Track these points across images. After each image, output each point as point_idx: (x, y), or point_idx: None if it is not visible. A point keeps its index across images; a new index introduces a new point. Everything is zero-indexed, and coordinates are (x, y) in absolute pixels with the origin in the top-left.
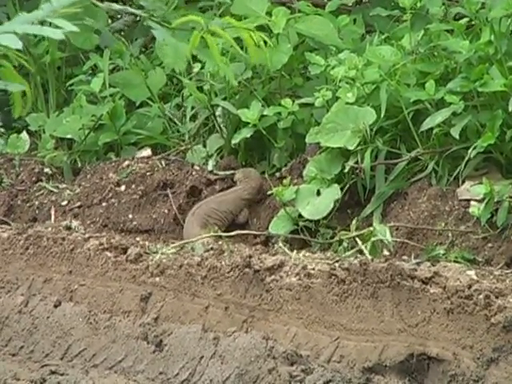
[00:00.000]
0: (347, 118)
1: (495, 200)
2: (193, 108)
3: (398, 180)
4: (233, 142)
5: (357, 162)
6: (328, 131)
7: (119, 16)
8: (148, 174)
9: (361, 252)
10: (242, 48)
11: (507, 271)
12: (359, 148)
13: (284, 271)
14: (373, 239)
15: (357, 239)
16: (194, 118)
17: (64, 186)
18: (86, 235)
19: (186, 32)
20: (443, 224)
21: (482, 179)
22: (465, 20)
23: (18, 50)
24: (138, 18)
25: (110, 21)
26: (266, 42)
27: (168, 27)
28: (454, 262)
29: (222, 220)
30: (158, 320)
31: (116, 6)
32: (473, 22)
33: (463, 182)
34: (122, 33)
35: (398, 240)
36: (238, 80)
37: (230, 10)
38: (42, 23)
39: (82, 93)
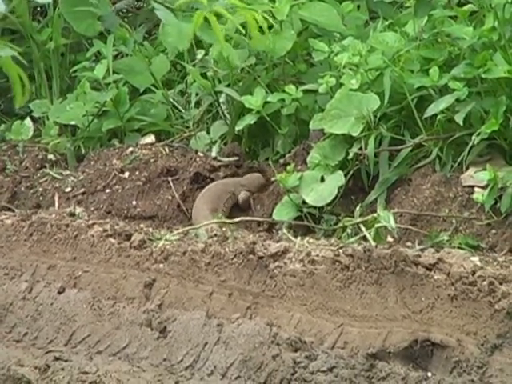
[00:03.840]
0: (351, 104)
1: (499, 186)
2: (196, 94)
3: (402, 166)
4: (236, 128)
5: (361, 149)
6: (332, 118)
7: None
8: (152, 160)
9: (365, 238)
10: (245, 34)
11: (511, 257)
12: (363, 134)
13: (288, 258)
14: (377, 225)
15: (361, 225)
16: (197, 104)
17: (68, 172)
18: (90, 222)
19: (190, 14)
20: (447, 210)
21: (485, 165)
22: (468, 6)
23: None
24: (141, 4)
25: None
26: (270, 26)
27: (171, 8)
28: (458, 248)
29: (227, 201)
30: (161, 306)
31: None
32: (476, 8)
33: (467, 168)
34: (126, 19)
35: (402, 226)
36: (241, 66)
37: None
38: None
39: (86, 79)
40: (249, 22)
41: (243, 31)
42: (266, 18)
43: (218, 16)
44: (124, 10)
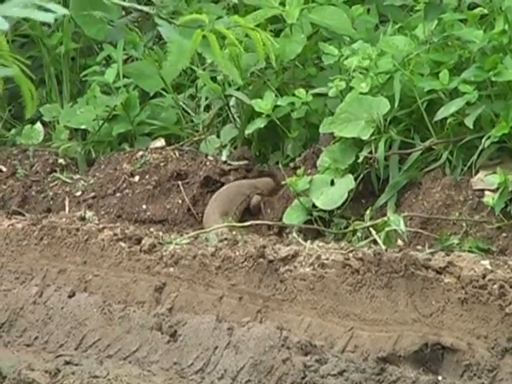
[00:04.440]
0: (361, 107)
1: (509, 190)
2: (206, 98)
3: (412, 170)
4: (246, 132)
5: (371, 152)
6: (342, 121)
7: (130, 11)
8: (162, 164)
9: (375, 242)
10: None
11: None
12: (373, 138)
13: (298, 261)
14: (387, 229)
15: (371, 229)
16: (207, 108)
17: (78, 176)
18: (100, 226)
19: (193, 30)
20: (457, 214)
21: (496, 169)
22: (479, 9)
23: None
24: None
25: (123, 13)
26: (277, 34)
27: (175, 23)
28: (469, 251)
29: (241, 204)
30: (172, 310)
31: (124, 3)
32: (486, 12)
33: (477, 171)
34: (136, 24)
35: (412, 230)
36: (251, 70)
37: (243, 0)
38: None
39: (96, 83)
40: (253, 39)
41: (241, 49)
42: (268, 38)
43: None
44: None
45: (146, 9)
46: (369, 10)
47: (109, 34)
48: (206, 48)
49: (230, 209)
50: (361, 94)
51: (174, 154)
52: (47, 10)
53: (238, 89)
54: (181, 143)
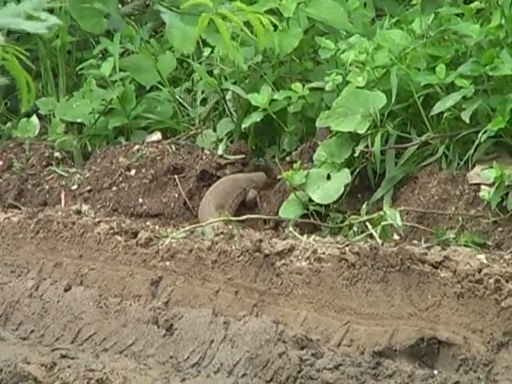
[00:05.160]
0: (357, 102)
1: (505, 184)
2: (203, 92)
3: (409, 164)
4: (243, 126)
5: (367, 147)
6: (338, 115)
7: (129, 0)
8: (158, 158)
9: (371, 236)
10: (251, 32)
11: None
12: (369, 132)
13: (294, 255)
14: (383, 223)
15: (367, 223)
16: (204, 102)
17: (74, 170)
18: (96, 219)
19: (196, 16)
20: (453, 208)
21: (492, 163)
22: (475, 4)
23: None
24: (147, 2)
25: (120, 6)
26: (275, 26)
27: (177, 11)
28: (465, 246)
29: (237, 198)
30: (168, 304)
31: None
32: (483, 6)
33: (473, 166)
34: (132, 17)
35: (408, 224)
36: (248, 64)
37: None
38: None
39: (92, 77)
40: (254, 24)
41: (248, 33)
42: (271, 21)
43: (223, 18)
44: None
45: None
46: (365, 4)
47: (109, 23)
48: (210, 33)
49: (225, 202)
50: (357, 88)
51: (171, 147)
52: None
53: (234, 83)
54: (177, 137)
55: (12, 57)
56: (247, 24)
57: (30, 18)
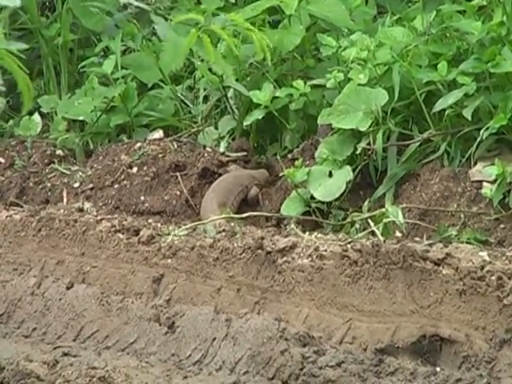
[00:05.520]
0: (359, 99)
1: (507, 181)
2: (205, 90)
3: (410, 161)
4: (244, 123)
5: (369, 144)
6: (340, 112)
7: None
8: (160, 155)
9: (373, 233)
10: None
11: None
12: (371, 129)
13: (296, 253)
14: (385, 220)
15: (369, 220)
16: (205, 99)
17: (76, 168)
18: (98, 217)
19: (190, 26)
20: (455, 205)
21: (494, 160)
22: (477, 1)
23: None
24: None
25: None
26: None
27: (171, 19)
28: (467, 243)
29: (238, 195)
30: (170, 302)
31: None
32: (485, 3)
33: (475, 163)
34: (134, 15)
35: (410, 221)
36: (249, 62)
37: None
38: None
39: (94, 75)
40: (249, 36)
41: (234, 50)
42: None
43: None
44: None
45: (142, 5)
46: (367, 2)
47: (106, 29)
48: (201, 46)
49: (227, 200)
50: (359, 85)
51: (172, 145)
52: None
53: (236, 80)
54: (179, 135)
55: (8, 57)
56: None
57: None
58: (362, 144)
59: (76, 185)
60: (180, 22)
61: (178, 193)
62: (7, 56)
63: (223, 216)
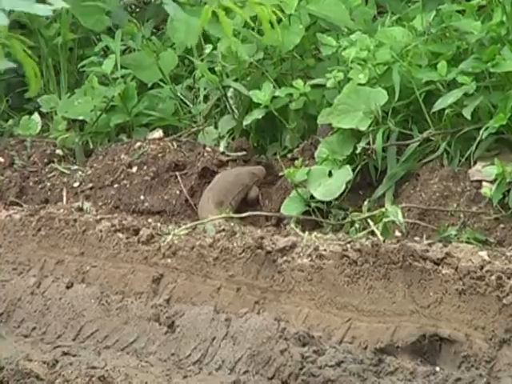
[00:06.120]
0: (359, 99)
1: (507, 181)
2: (204, 89)
3: (410, 161)
4: (244, 123)
5: (368, 143)
6: (340, 112)
7: None
8: (160, 155)
9: (373, 233)
10: (253, 29)
11: None
12: (371, 129)
13: (296, 252)
14: (385, 220)
15: (369, 220)
16: (205, 99)
17: (76, 167)
18: (98, 217)
19: (198, 7)
20: (455, 205)
21: (493, 160)
22: (476, 1)
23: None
24: None
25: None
26: (279, 20)
27: (179, 2)
28: (466, 242)
29: (238, 194)
30: (169, 301)
31: None
32: (484, 3)
33: (475, 162)
34: (134, 14)
35: (410, 221)
36: (249, 61)
37: None
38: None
39: (94, 74)
40: (260, 16)
41: (253, 25)
42: (275, 12)
43: (227, 11)
44: (132, 6)
45: None
46: (367, 1)
47: (112, 18)
48: (213, 25)
49: (225, 199)
50: (359, 85)
51: (172, 144)
52: (45, 3)
53: (236, 80)
54: (179, 134)
55: (17, 43)
56: (251, 18)
57: (35, 1)
58: (362, 144)
59: (76, 184)
60: (189, 4)
61: (178, 192)
62: (16, 42)
63: (223, 215)
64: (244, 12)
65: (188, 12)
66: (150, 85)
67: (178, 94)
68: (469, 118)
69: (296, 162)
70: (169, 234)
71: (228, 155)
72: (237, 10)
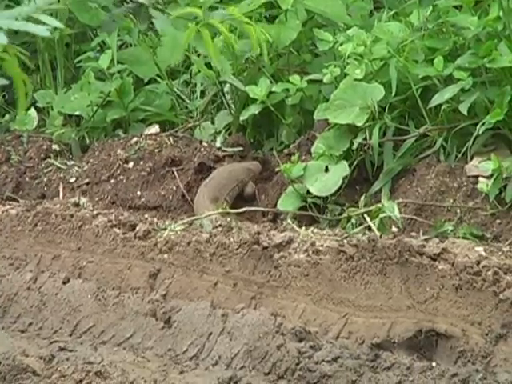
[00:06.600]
0: (355, 94)
1: (504, 176)
2: (201, 84)
3: (407, 156)
4: (241, 118)
5: (365, 139)
6: (336, 108)
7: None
8: (156, 150)
9: (369, 228)
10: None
11: None
12: (367, 124)
13: (292, 248)
14: (381, 216)
15: (365, 216)
16: (202, 94)
17: (72, 162)
18: (95, 212)
19: (189, 20)
20: (451, 200)
21: (490, 155)
22: None
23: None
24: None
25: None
26: (275, 17)
27: (170, 14)
28: (463, 238)
29: (233, 190)
30: (166, 297)
31: None
32: None
33: (471, 158)
34: (130, 11)
35: (407, 216)
36: (246, 57)
37: None
38: (28, 19)
39: (90, 69)
40: (246, 31)
41: (234, 43)
42: (263, 32)
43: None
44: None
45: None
46: None
47: (103, 25)
48: (199, 41)
49: (220, 195)
50: (355, 80)
51: (169, 140)
52: (39, 22)
53: (232, 75)
54: (175, 129)
55: (12, 57)
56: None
57: (31, 20)
58: (359, 139)
59: (72, 179)
60: (178, 17)
61: (175, 188)
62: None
63: (219, 211)
64: (228, 31)
65: (177, 24)
66: (146, 80)
67: (175, 90)
68: (465, 113)
69: (292, 158)
70: (165, 229)
71: (224, 150)
72: (223, 30)
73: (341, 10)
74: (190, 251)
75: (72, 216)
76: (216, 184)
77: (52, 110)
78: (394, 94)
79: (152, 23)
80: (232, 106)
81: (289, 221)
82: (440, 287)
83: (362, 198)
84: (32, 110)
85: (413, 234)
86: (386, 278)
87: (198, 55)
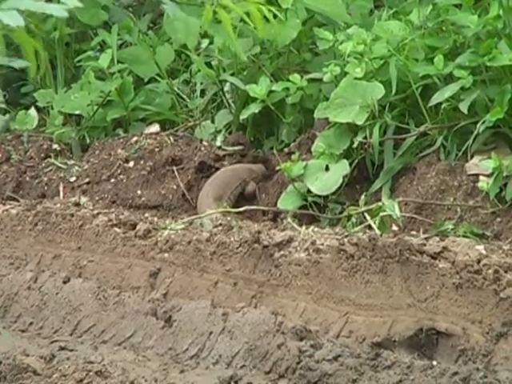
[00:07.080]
0: (356, 93)
1: (504, 175)
2: (201, 84)
3: (407, 155)
4: (241, 117)
5: (365, 138)
6: (336, 106)
7: None
8: (156, 149)
9: (370, 227)
10: (250, 24)
11: None
12: (368, 123)
13: (293, 246)
14: (381, 214)
15: (365, 214)
16: (202, 93)
17: (72, 162)
18: (95, 211)
19: (196, 7)
20: (452, 199)
21: (490, 154)
22: None
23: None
24: None
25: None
26: (275, 16)
27: (177, 2)
28: (463, 236)
29: (236, 189)
30: (166, 296)
31: None
32: None
33: (472, 156)
34: (131, 8)
35: (407, 215)
36: (246, 55)
37: None
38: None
39: (91, 69)
40: (253, 14)
41: (249, 22)
42: (270, 10)
43: (225, 9)
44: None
45: None
46: None
47: (110, 16)
48: (211, 24)
49: (224, 193)
50: (355, 79)
51: (169, 139)
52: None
53: (232, 74)
54: (175, 128)
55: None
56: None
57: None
58: (359, 138)
59: (72, 179)
60: (187, 3)
61: (175, 187)
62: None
63: (220, 210)
64: (240, 8)
65: (185, 10)
66: (146, 79)
67: (175, 89)
68: (465, 111)
69: (293, 157)
70: (166, 228)
71: (225, 149)
72: (236, 8)
73: (341, 8)
74: (190, 250)
75: (72, 215)
76: (220, 183)
77: (52, 109)
78: (394, 92)
79: (152, 22)
80: (232, 104)
81: (289, 220)
82: (440, 286)
83: (363, 197)
84: (32, 110)
85: (413, 232)
86: (387, 276)
87: (198, 54)
